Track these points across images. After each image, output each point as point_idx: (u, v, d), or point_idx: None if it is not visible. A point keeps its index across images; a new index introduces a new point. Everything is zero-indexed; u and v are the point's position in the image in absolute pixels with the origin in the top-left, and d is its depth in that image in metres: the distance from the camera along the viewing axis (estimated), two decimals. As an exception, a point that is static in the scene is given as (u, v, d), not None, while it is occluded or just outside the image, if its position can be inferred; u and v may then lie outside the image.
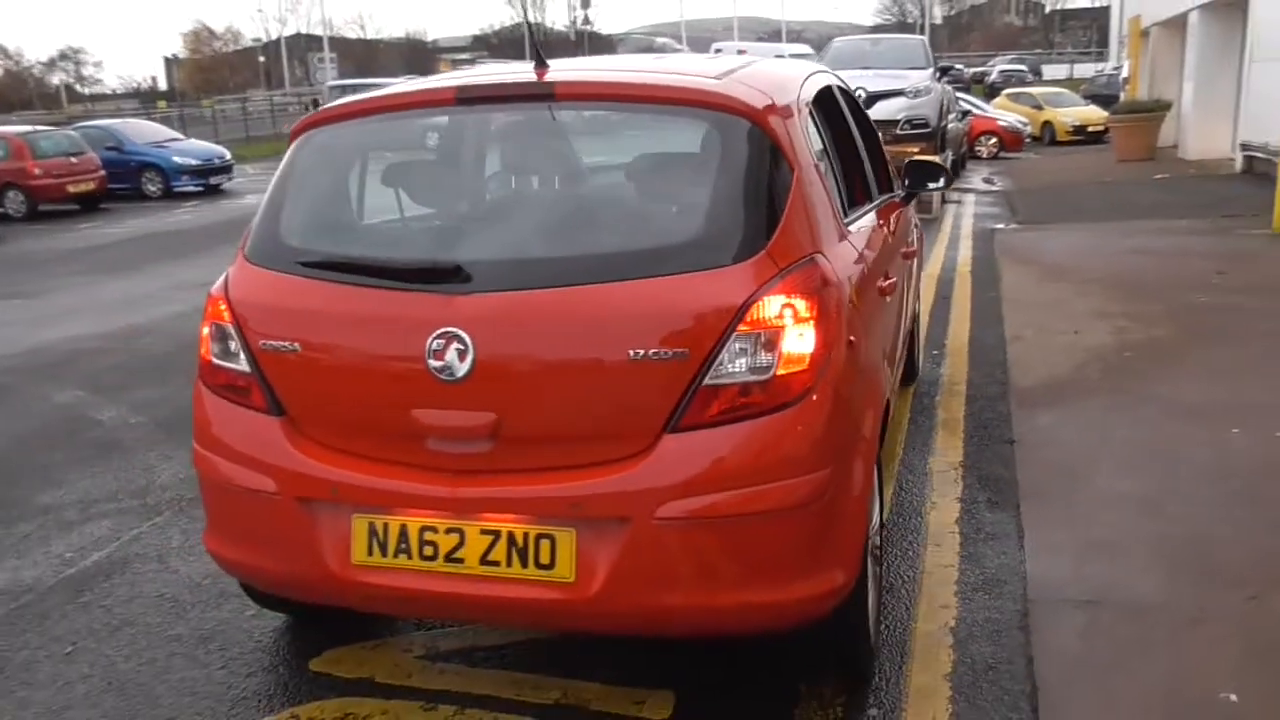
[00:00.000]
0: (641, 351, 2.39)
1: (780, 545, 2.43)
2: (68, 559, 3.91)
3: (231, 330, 2.73)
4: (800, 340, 2.41)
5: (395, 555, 2.56)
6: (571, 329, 2.45)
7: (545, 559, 2.45)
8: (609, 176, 2.86)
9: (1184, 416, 4.90)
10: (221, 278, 2.89)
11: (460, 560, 2.51)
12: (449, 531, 2.52)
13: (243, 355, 2.71)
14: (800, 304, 2.42)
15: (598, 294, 2.45)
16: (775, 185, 2.56)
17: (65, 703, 2.96)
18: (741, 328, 2.38)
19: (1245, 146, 15.56)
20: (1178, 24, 22.69)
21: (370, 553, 2.57)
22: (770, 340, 2.39)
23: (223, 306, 2.76)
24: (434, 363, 2.46)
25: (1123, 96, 24.34)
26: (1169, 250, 9.52)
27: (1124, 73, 26.15)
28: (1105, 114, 23.35)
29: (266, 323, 2.68)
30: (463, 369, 2.44)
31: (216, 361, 2.78)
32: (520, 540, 2.47)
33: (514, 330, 2.47)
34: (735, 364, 2.39)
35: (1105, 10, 26.39)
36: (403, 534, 2.55)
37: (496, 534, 2.49)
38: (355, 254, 2.70)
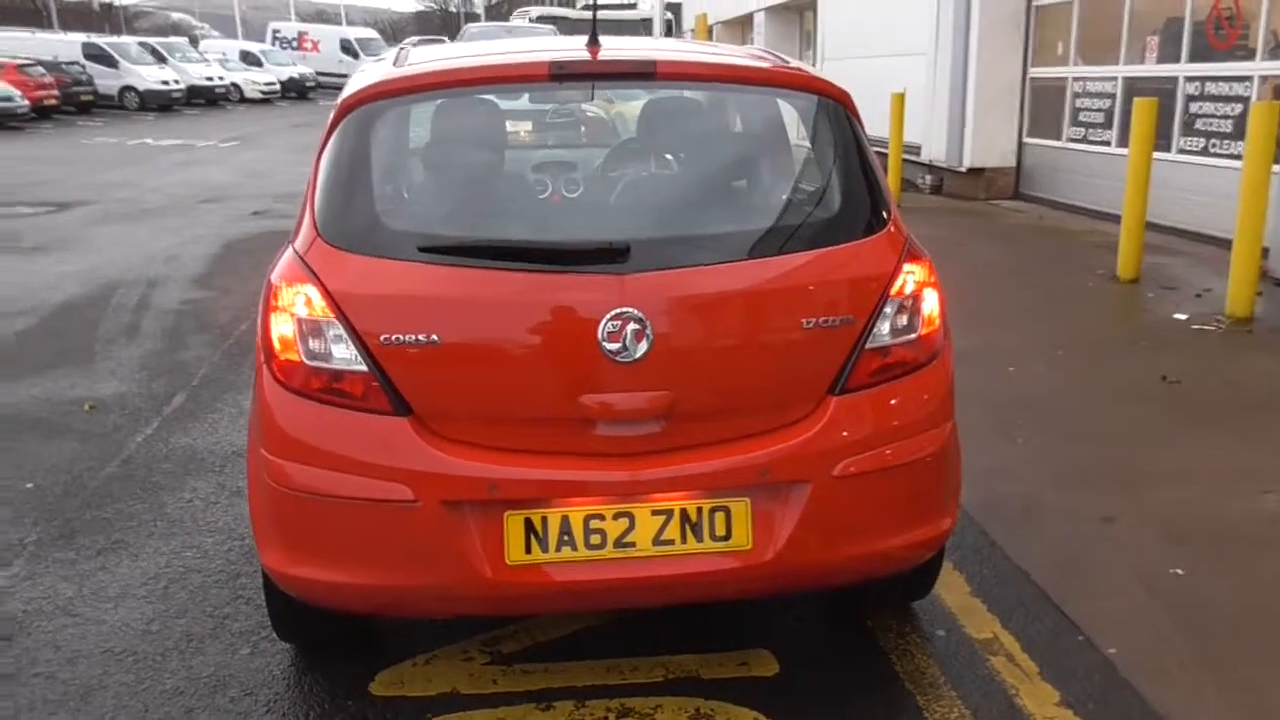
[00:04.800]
0: (815, 320, 2.50)
1: (926, 488, 2.67)
2: None
3: (336, 326, 2.39)
4: (931, 303, 2.66)
5: (558, 549, 2.44)
6: (746, 301, 2.50)
7: (721, 531, 2.49)
8: (726, 154, 2.87)
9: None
10: (286, 265, 2.51)
11: (631, 544, 2.46)
12: (617, 517, 2.45)
13: (355, 353, 2.39)
14: (926, 270, 2.67)
15: (767, 267, 2.51)
16: (872, 163, 2.78)
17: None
18: (893, 294, 2.58)
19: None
20: (742, 22, 25.47)
21: (529, 550, 2.43)
22: (914, 304, 2.62)
23: (317, 299, 2.40)
24: (609, 345, 2.37)
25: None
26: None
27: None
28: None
29: (387, 316, 2.39)
30: (640, 350, 2.38)
31: (311, 363, 2.42)
32: (694, 516, 2.48)
33: (690, 307, 2.45)
34: (889, 327, 2.58)
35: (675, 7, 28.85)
36: (565, 526, 2.44)
37: (669, 513, 2.47)
38: (496, 237, 2.49)
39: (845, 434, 2.53)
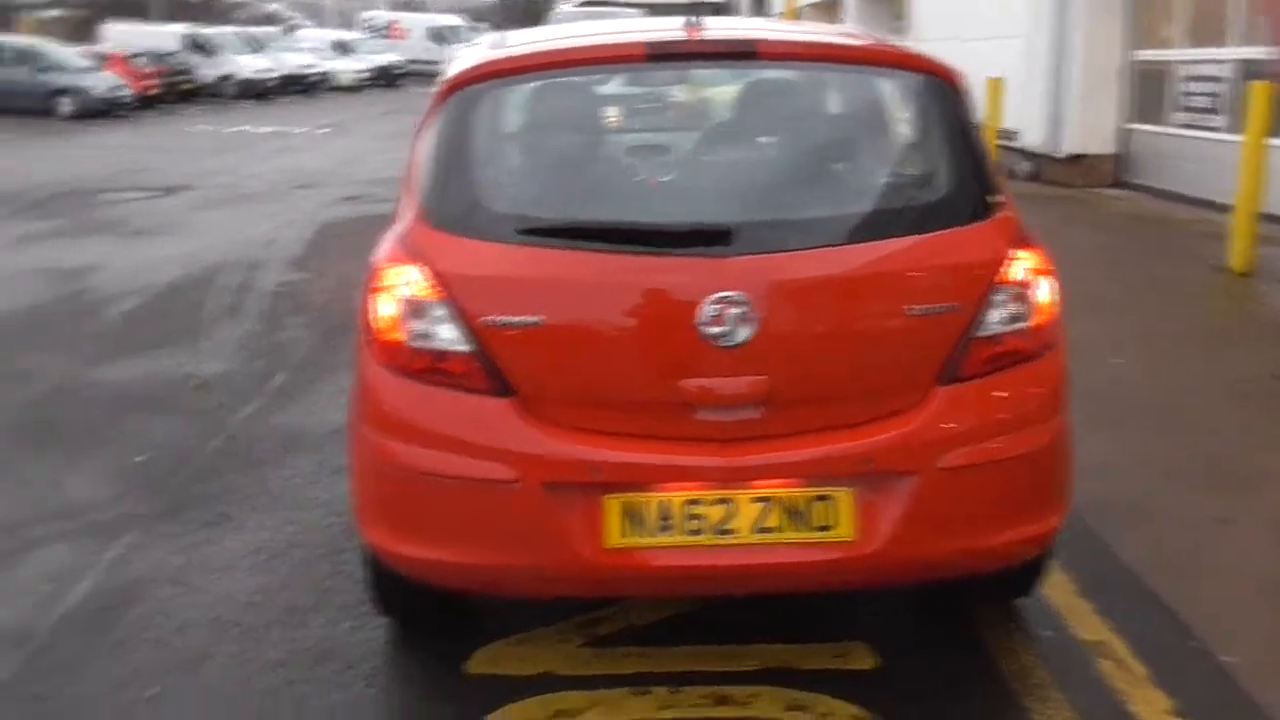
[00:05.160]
0: (920, 307, 2.44)
1: (1036, 484, 2.59)
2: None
3: (442, 307, 2.41)
4: (1046, 292, 2.57)
5: (657, 534, 2.42)
6: (850, 287, 2.45)
7: (823, 520, 2.44)
8: (827, 135, 2.83)
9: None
10: (390, 247, 2.54)
11: (732, 531, 2.43)
12: (717, 502, 2.43)
13: (458, 334, 2.41)
14: (1039, 257, 2.58)
15: (871, 251, 2.46)
16: (981, 144, 2.69)
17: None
18: (1003, 281, 2.50)
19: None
20: (830, 5, 25.08)
21: (626, 534, 2.42)
22: (1026, 293, 2.53)
23: (421, 281, 2.42)
24: (710, 329, 2.34)
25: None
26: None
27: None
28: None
29: (493, 297, 2.40)
30: (743, 334, 2.34)
31: (415, 343, 2.44)
32: (796, 504, 2.44)
33: (793, 291, 2.41)
34: (999, 315, 2.50)
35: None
36: (664, 510, 2.42)
37: (770, 500, 2.43)
38: (598, 219, 2.48)
39: (953, 425, 2.47)
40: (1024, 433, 2.53)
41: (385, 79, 38.32)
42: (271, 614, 3.10)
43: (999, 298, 2.49)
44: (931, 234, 2.50)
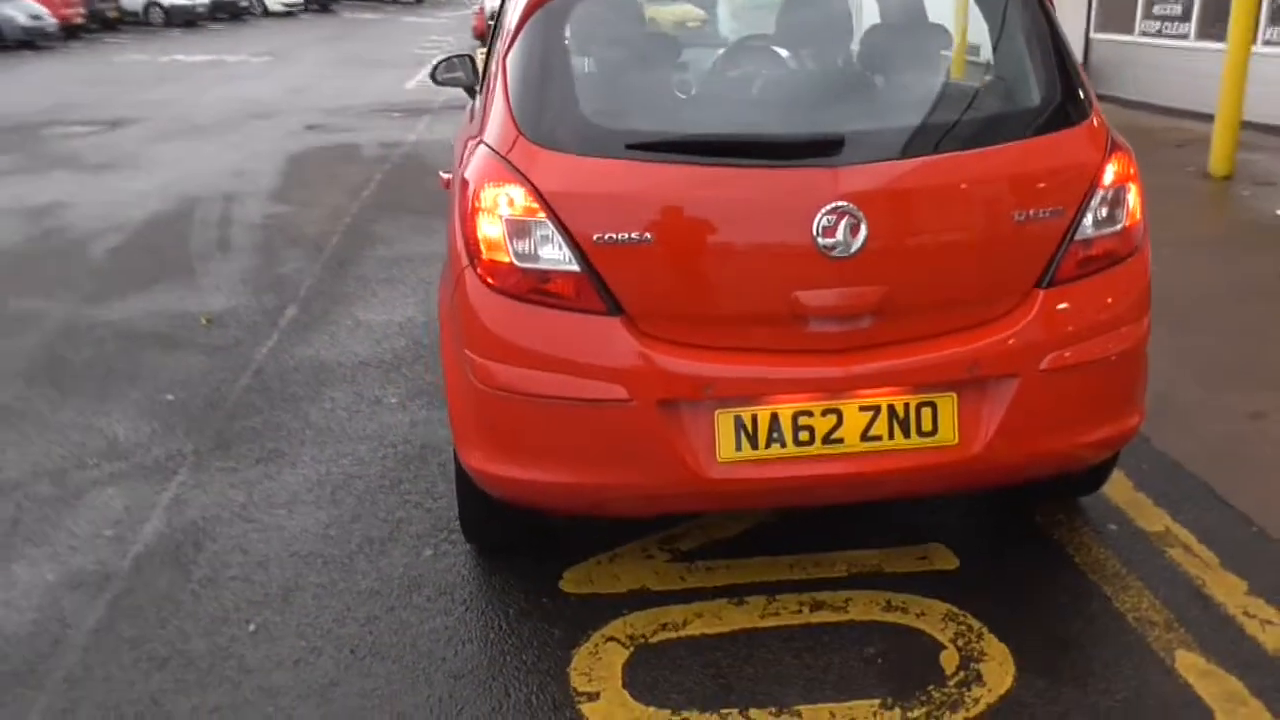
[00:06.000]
0: (1027, 212, 2.46)
1: (1125, 383, 2.65)
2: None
3: (548, 225, 2.37)
4: (1134, 194, 2.60)
5: (767, 446, 2.44)
6: (959, 194, 2.45)
7: (928, 426, 2.48)
8: (927, 41, 2.79)
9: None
10: (485, 165, 2.47)
11: (840, 440, 2.46)
12: (826, 413, 2.45)
13: (566, 252, 2.37)
14: (1128, 160, 2.61)
15: (979, 159, 2.46)
16: (1069, 49, 2.69)
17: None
18: (1101, 184, 2.52)
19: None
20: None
21: (739, 448, 2.44)
22: (1120, 195, 2.56)
23: (524, 199, 2.37)
24: (824, 240, 2.34)
25: None
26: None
27: None
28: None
29: (601, 214, 2.36)
30: (856, 244, 2.35)
31: (521, 264, 2.40)
32: (902, 411, 2.47)
33: (903, 200, 2.41)
34: (1096, 218, 2.53)
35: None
36: (774, 423, 2.44)
37: (876, 408, 2.46)
38: (706, 132, 2.44)
39: (1053, 327, 2.51)
40: (1117, 333, 2.58)
41: (319, 3, 37.08)
42: (351, 545, 3.09)
43: (1096, 201, 2.52)
44: (1035, 139, 2.51)
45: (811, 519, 3.12)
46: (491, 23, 12.96)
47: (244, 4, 33.07)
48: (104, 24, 27.65)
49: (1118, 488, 3.29)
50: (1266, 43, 9.05)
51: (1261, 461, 3.46)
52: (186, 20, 30.05)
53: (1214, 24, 9.48)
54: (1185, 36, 10.18)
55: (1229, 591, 2.77)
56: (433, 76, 4.11)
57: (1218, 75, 7.45)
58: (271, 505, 3.34)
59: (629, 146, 2.40)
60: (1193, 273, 5.45)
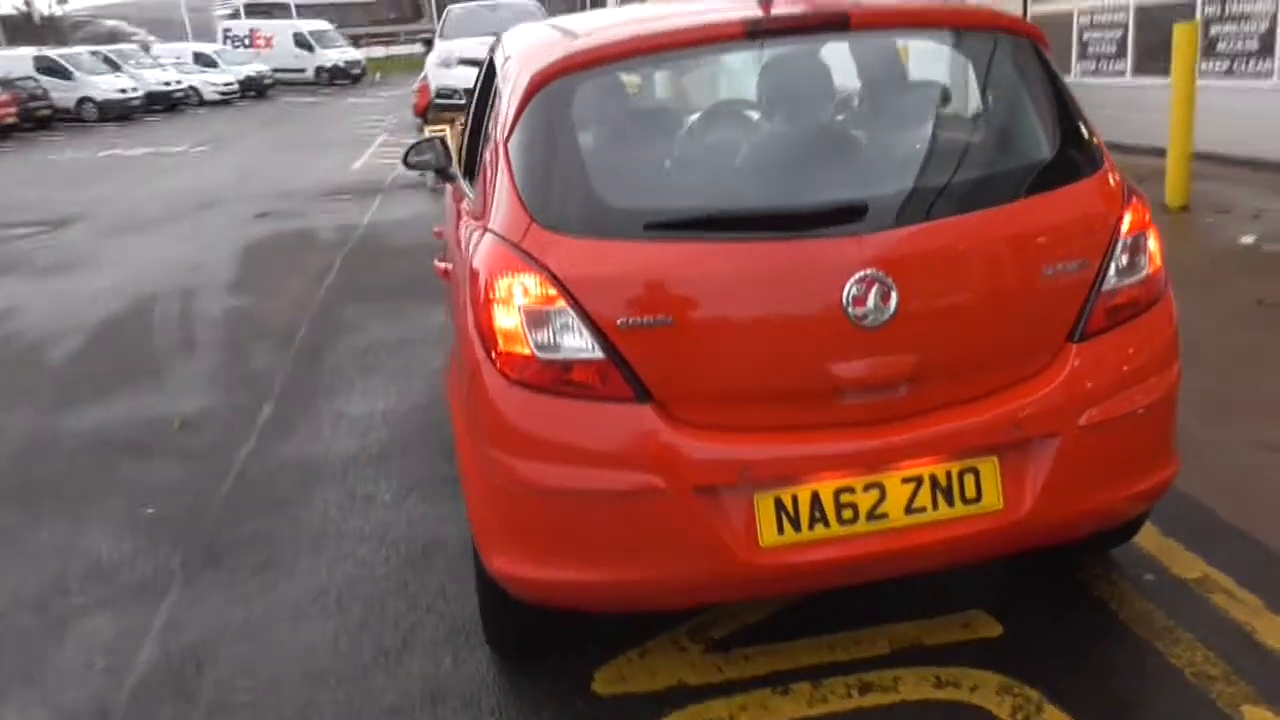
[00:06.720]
0: (1055, 266, 2.41)
1: (1160, 432, 2.60)
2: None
3: (569, 313, 2.27)
4: (1153, 240, 2.58)
5: (810, 528, 2.34)
6: (987, 253, 2.40)
7: (971, 493, 2.40)
8: (930, 99, 2.76)
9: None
10: (496, 254, 2.38)
11: (884, 515, 2.36)
12: (868, 488, 2.36)
13: (589, 340, 2.27)
14: (1144, 207, 2.58)
15: (1004, 216, 2.42)
16: (1075, 100, 2.67)
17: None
18: (1123, 234, 2.49)
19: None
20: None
21: (781, 530, 2.33)
22: (1141, 242, 2.53)
23: (540, 286, 2.28)
24: (855, 310, 2.26)
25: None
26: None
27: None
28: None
29: (623, 298, 2.27)
30: (888, 311, 2.28)
31: (541, 354, 2.29)
32: (944, 480, 2.38)
33: (932, 263, 2.35)
34: (1121, 267, 2.49)
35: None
36: (815, 502, 2.34)
37: (919, 479, 2.38)
38: (726, 206, 2.37)
39: (1088, 381, 2.45)
40: (1150, 382, 2.53)
41: (255, 89, 37.04)
42: (364, 658, 2.91)
43: (1119, 250, 2.49)
44: (1054, 191, 2.48)
45: (842, 594, 2.98)
46: (438, 100, 12.89)
47: (179, 94, 32.89)
48: (37, 122, 27.27)
49: (1145, 534, 3.21)
50: (1203, 74, 9.31)
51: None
52: (121, 114, 29.75)
53: (1150, 59, 9.77)
54: (1123, 74, 10.46)
55: (1281, 636, 2.71)
56: (405, 160, 4.02)
57: (1161, 108, 7.63)
58: (273, 620, 3.15)
59: (648, 226, 2.32)
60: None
